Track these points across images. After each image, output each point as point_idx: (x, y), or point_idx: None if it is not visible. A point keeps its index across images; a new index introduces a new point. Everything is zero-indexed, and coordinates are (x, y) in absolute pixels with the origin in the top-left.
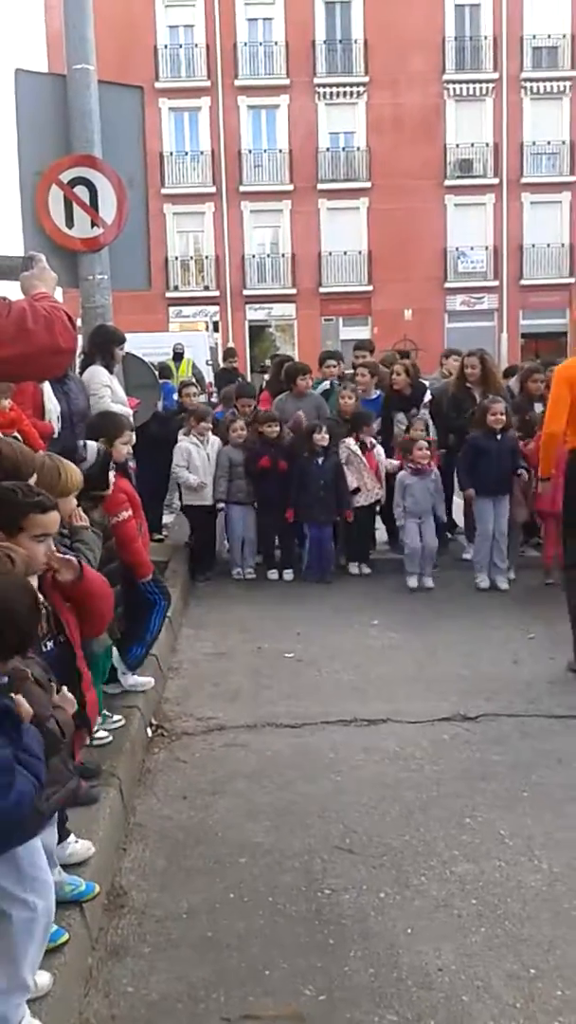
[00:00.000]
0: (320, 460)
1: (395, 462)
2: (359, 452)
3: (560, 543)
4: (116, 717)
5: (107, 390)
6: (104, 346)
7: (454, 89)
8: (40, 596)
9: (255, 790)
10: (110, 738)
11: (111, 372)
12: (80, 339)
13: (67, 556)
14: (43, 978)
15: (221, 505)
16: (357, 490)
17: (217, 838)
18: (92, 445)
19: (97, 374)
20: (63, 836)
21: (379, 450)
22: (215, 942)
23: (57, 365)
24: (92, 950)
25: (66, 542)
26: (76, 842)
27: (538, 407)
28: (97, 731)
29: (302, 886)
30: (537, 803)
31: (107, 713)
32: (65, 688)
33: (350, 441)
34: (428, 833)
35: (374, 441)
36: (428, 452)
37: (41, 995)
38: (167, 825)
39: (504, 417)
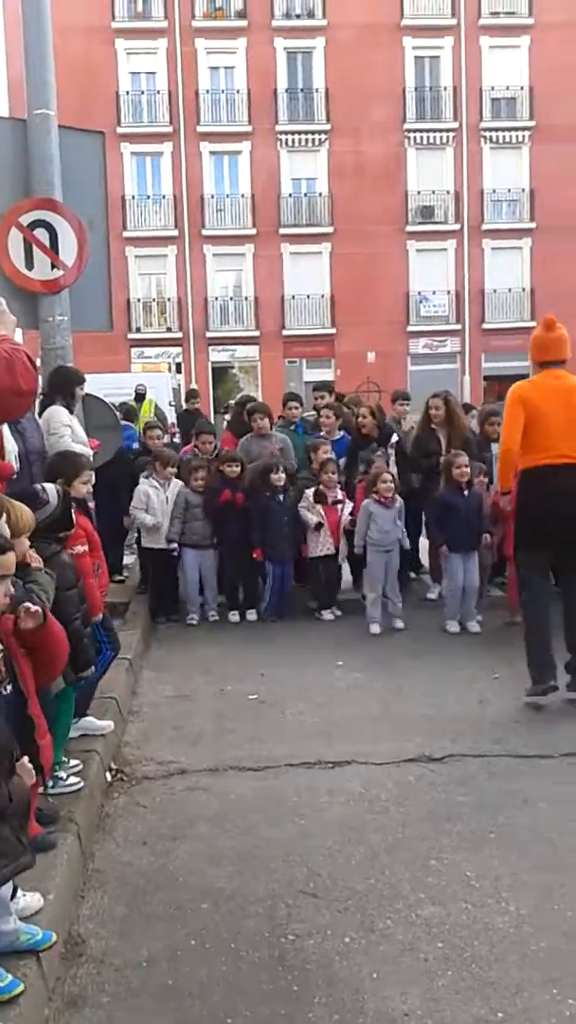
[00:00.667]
0: (281, 497)
1: (349, 516)
2: (320, 510)
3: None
4: (73, 762)
5: (67, 429)
6: (63, 386)
7: (415, 138)
8: None
9: (217, 835)
10: (81, 783)
11: (71, 412)
12: (40, 380)
13: (31, 606)
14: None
15: (174, 546)
16: (320, 525)
17: (178, 884)
18: (51, 487)
19: (57, 413)
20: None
21: (344, 506)
22: (176, 990)
23: (18, 406)
24: (49, 1001)
25: (17, 583)
26: (24, 896)
27: (495, 447)
28: (67, 778)
29: (265, 932)
30: (504, 844)
31: (64, 759)
32: (25, 758)
33: (309, 493)
34: (393, 876)
35: (339, 495)
36: (392, 485)
37: None
38: (127, 871)
39: (468, 470)
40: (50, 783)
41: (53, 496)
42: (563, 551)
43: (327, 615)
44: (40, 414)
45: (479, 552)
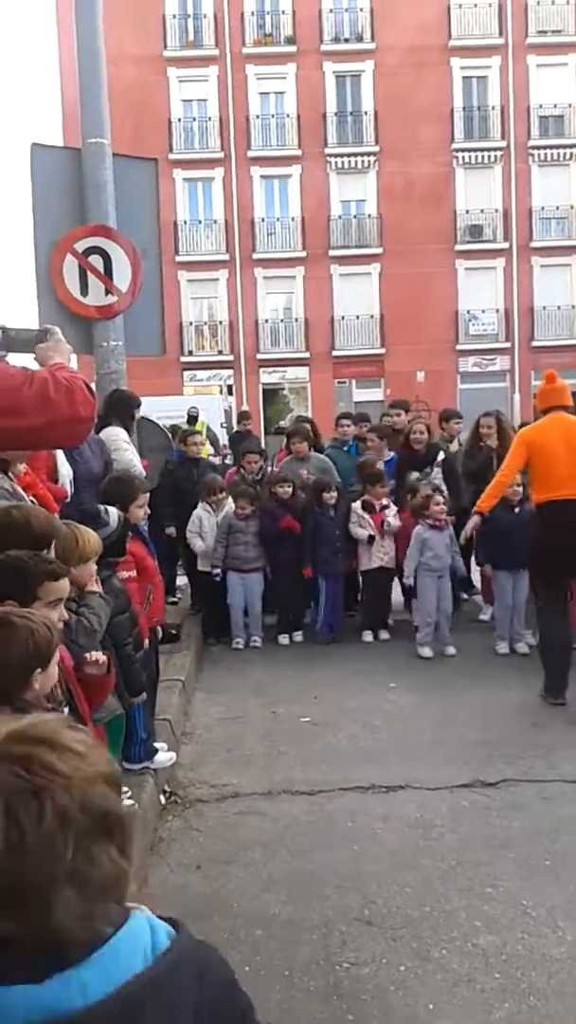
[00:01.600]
0: (332, 512)
1: (395, 522)
2: (366, 515)
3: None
4: (124, 789)
5: (128, 446)
6: (121, 409)
7: (463, 157)
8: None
9: (270, 859)
10: (135, 805)
11: (129, 434)
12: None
13: (98, 656)
14: None
15: (217, 571)
16: (373, 538)
17: (232, 909)
18: (113, 511)
19: (116, 432)
20: None
21: (390, 510)
22: None
23: (77, 434)
24: None
25: (72, 606)
26: None
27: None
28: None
29: (320, 959)
30: (559, 871)
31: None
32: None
33: (356, 505)
34: (449, 903)
35: (384, 502)
36: (444, 507)
37: None
38: (180, 895)
39: (520, 489)
40: None
41: (114, 520)
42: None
43: (367, 636)
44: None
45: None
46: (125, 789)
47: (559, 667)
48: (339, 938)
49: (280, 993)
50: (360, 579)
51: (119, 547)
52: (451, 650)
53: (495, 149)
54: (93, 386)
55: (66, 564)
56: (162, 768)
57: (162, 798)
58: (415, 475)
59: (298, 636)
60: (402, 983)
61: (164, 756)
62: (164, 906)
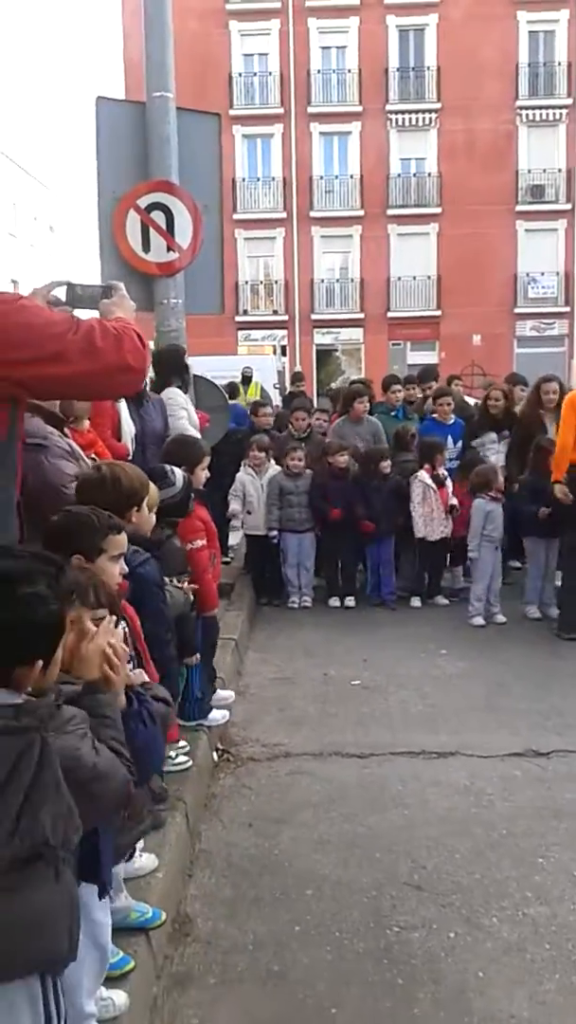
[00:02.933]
0: (381, 482)
1: (454, 502)
2: (434, 486)
3: None
4: (181, 743)
5: (184, 412)
6: (177, 366)
7: (527, 115)
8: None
9: (321, 820)
10: (190, 763)
11: (185, 392)
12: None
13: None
14: (120, 998)
15: (274, 534)
16: (454, 508)
17: (284, 868)
18: (179, 471)
19: (175, 395)
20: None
21: (449, 483)
22: (281, 976)
23: (127, 384)
24: (157, 979)
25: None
26: (141, 856)
27: None
28: (176, 757)
29: (370, 922)
30: None
31: (171, 754)
32: (139, 671)
33: (423, 475)
34: (499, 872)
35: (446, 474)
36: (503, 483)
37: (115, 1015)
38: (233, 853)
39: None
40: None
41: (179, 480)
42: None
43: (415, 602)
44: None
45: None
46: (183, 744)
47: None
48: (389, 902)
49: (331, 954)
50: (417, 548)
51: (182, 508)
52: (501, 618)
53: (560, 107)
54: (152, 344)
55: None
56: (216, 725)
57: (215, 756)
58: (491, 437)
59: (350, 601)
60: (452, 949)
61: (218, 714)
62: (217, 863)
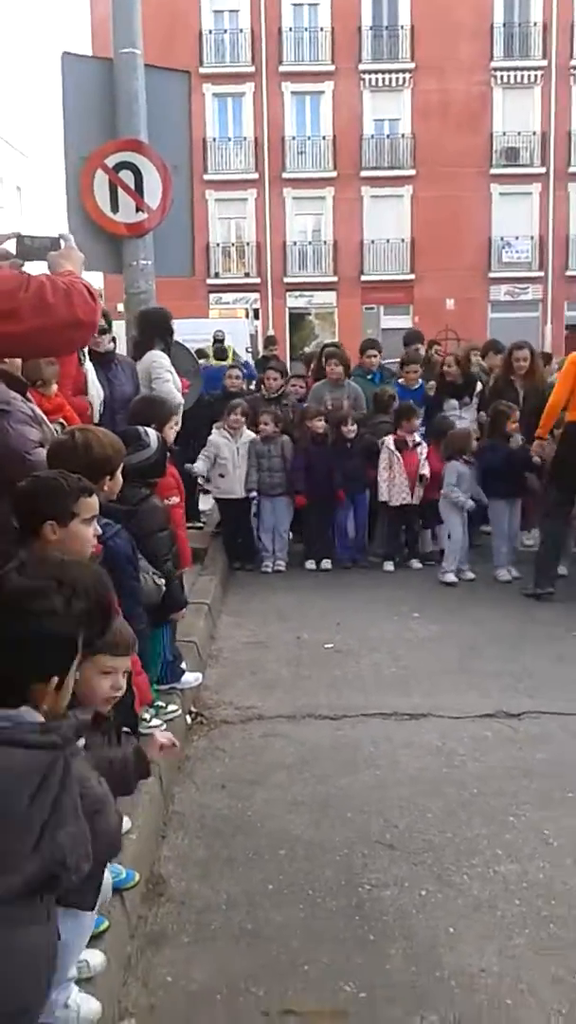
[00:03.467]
0: (349, 445)
1: (427, 474)
2: (398, 453)
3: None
4: (172, 707)
5: (170, 375)
6: (161, 328)
7: (502, 76)
8: None
9: (294, 782)
10: (163, 725)
11: (168, 355)
12: (124, 324)
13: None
14: (95, 958)
15: (253, 495)
16: (422, 476)
17: (256, 829)
18: (152, 432)
19: (159, 358)
20: None
21: (422, 449)
22: (254, 934)
23: (78, 339)
24: (131, 938)
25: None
26: None
27: None
28: (151, 721)
29: (342, 880)
30: None
31: (161, 704)
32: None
33: (389, 440)
34: (470, 831)
35: (417, 439)
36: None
37: (90, 975)
38: (206, 814)
39: (517, 425)
40: (151, 711)
41: (154, 441)
42: None
43: (388, 566)
44: (137, 359)
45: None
46: (173, 708)
47: (552, 564)
48: (361, 860)
49: (304, 912)
50: (381, 510)
51: (159, 468)
52: (470, 574)
53: (535, 68)
54: (120, 306)
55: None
56: (188, 688)
57: (188, 718)
58: (451, 404)
59: (327, 564)
60: (423, 906)
61: (190, 676)
62: (190, 824)
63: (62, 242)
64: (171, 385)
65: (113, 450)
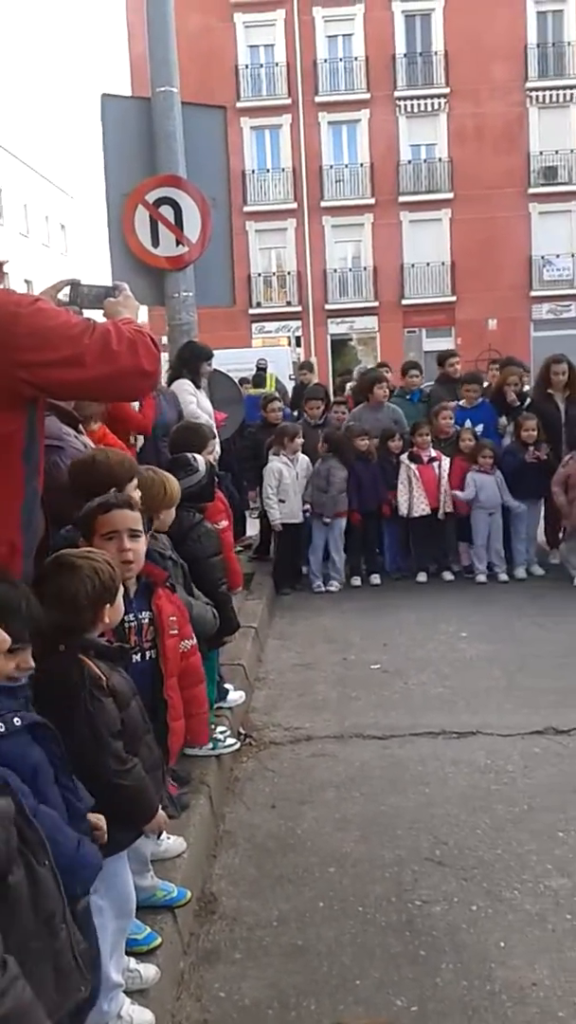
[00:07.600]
0: (395, 461)
1: (460, 494)
2: (413, 467)
3: None
4: (231, 741)
5: (193, 398)
6: (191, 361)
7: (537, 96)
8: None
9: (343, 800)
10: (237, 744)
11: (197, 387)
12: (165, 355)
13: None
14: (148, 970)
15: (307, 507)
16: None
17: (306, 847)
18: (200, 458)
19: (183, 384)
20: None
21: (443, 463)
22: (305, 950)
23: (141, 388)
24: (184, 954)
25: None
26: (168, 839)
27: None
28: (224, 740)
29: (392, 897)
30: None
31: (219, 736)
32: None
33: (405, 456)
34: (520, 846)
35: (433, 453)
36: (491, 459)
37: (143, 987)
38: (256, 833)
39: (535, 433)
40: (208, 745)
41: (202, 467)
42: None
43: (421, 577)
44: (168, 385)
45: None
46: (232, 741)
47: None
48: (411, 877)
49: (354, 928)
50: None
51: (208, 493)
52: (503, 576)
53: (570, 87)
54: (164, 339)
55: (153, 510)
56: (236, 707)
57: (237, 740)
58: (501, 422)
59: (375, 579)
60: (473, 922)
61: (235, 695)
62: (240, 843)
63: (117, 291)
64: (194, 407)
65: (131, 470)
